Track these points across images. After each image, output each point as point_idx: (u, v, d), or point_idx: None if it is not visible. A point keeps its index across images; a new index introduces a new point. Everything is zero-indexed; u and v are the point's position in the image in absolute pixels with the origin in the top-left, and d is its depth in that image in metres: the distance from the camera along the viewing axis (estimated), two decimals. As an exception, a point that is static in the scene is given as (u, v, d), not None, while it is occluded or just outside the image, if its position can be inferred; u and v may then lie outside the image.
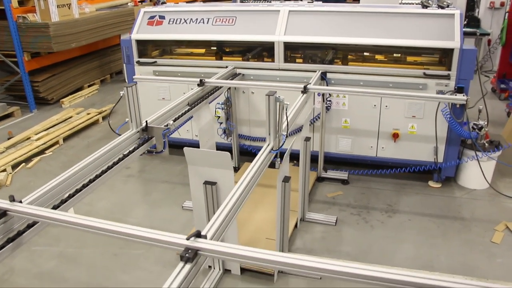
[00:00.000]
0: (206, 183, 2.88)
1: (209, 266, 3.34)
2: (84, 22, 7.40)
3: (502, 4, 8.53)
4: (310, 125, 4.37)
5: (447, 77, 4.01)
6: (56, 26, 6.71)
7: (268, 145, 2.54)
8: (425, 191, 4.40)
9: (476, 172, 4.27)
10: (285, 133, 2.59)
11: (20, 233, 1.86)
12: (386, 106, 4.30)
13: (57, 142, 5.76)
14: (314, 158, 4.42)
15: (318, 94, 4.40)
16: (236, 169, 4.86)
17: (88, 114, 6.58)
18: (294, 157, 3.81)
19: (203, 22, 4.74)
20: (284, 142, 2.59)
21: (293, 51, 4.52)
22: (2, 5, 6.43)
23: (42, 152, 5.53)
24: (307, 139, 3.66)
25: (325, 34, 4.33)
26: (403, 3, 6.10)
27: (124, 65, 5.08)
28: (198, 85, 3.73)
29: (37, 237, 3.75)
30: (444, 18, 4.08)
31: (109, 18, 8.12)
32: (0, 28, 6.75)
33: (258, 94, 4.67)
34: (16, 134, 5.84)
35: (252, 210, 4.00)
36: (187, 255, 1.51)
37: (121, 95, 2.80)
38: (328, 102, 4.43)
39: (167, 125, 2.95)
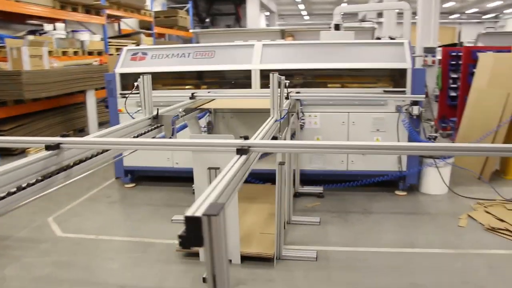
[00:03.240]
0: (210, 168, 3.14)
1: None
2: (55, 74, 7.65)
3: (434, 62, 9.82)
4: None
5: (403, 92, 4.65)
6: (29, 74, 6.91)
7: (272, 117, 2.91)
8: (393, 198, 4.84)
9: (436, 178, 4.81)
10: (287, 108, 2.99)
11: (70, 166, 2.05)
12: (353, 123, 4.84)
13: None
14: (290, 176, 4.78)
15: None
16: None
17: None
18: (272, 179, 4.05)
19: (184, 56, 5.20)
20: (286, 115, 2.98)
21: (268, 78, 5.02)
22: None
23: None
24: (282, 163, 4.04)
25: (296, 61, 4.92)
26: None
27: (108, 99, 5.35)
28: (190, 98, 4.10)
29: (27, 249, 3.74)
30: (396, 46, 4.83)
31: (77, 72, 8.40)
32: (-31, 77, 6.84)
33: (237, 118, 5.07)
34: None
35: (241, 215, 4.21)
36: (242, 148, 1.80)
37: (135, 85, 3.10)
38: (302, 121, 4.90)
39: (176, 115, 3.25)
